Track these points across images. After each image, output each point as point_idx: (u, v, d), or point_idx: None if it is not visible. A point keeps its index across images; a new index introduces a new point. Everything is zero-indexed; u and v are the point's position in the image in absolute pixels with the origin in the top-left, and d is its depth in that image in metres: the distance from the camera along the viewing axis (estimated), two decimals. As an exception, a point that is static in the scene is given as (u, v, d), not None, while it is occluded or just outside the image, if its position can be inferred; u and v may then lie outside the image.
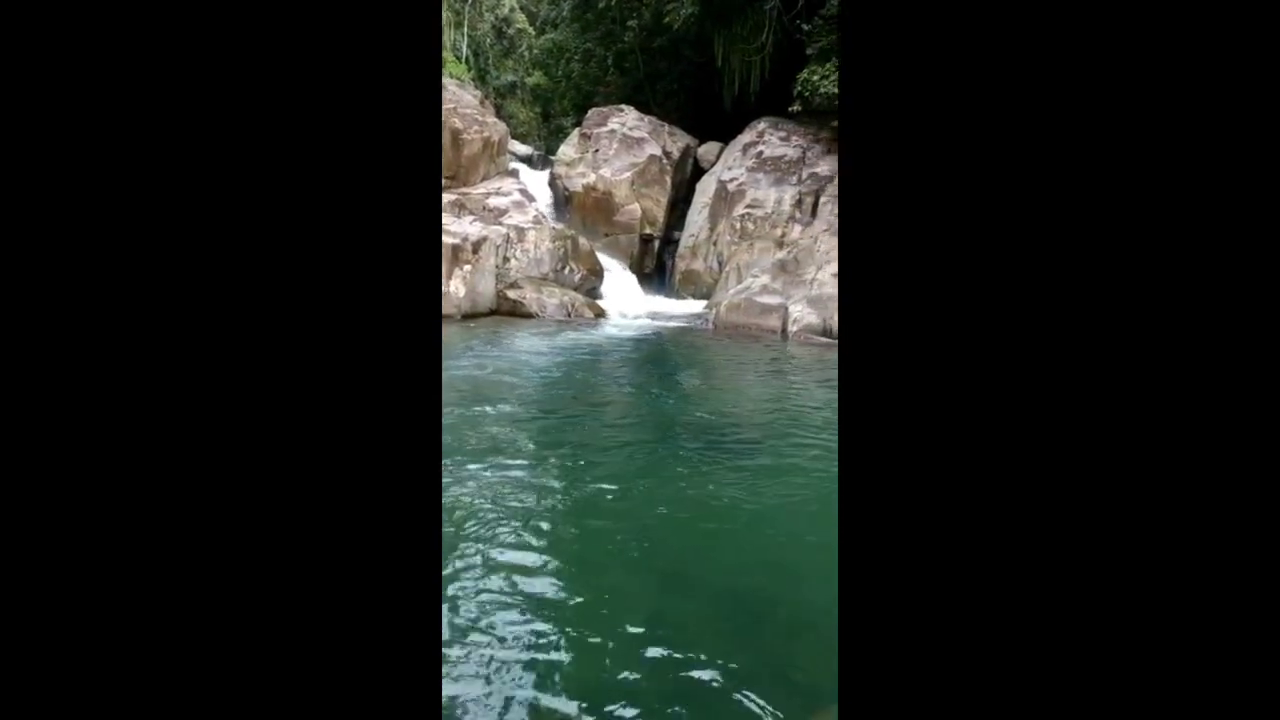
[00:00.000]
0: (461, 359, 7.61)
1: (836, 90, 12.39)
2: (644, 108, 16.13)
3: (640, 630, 2.65)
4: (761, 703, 2.24)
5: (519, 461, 4.41)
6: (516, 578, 2.94)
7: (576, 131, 15.78)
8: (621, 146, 14.87)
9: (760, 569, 3.23)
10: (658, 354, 9.33)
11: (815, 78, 12.68)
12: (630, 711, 2.17)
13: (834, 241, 11.75)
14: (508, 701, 2.20)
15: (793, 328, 10.83)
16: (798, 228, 12.77)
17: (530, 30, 26.00)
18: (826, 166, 13.37)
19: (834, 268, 11.30)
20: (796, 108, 13.19)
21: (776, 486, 4.23)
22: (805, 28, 13.01)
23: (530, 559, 3.11)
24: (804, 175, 13.43)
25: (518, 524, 3.43)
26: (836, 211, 12.30)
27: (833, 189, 12.85)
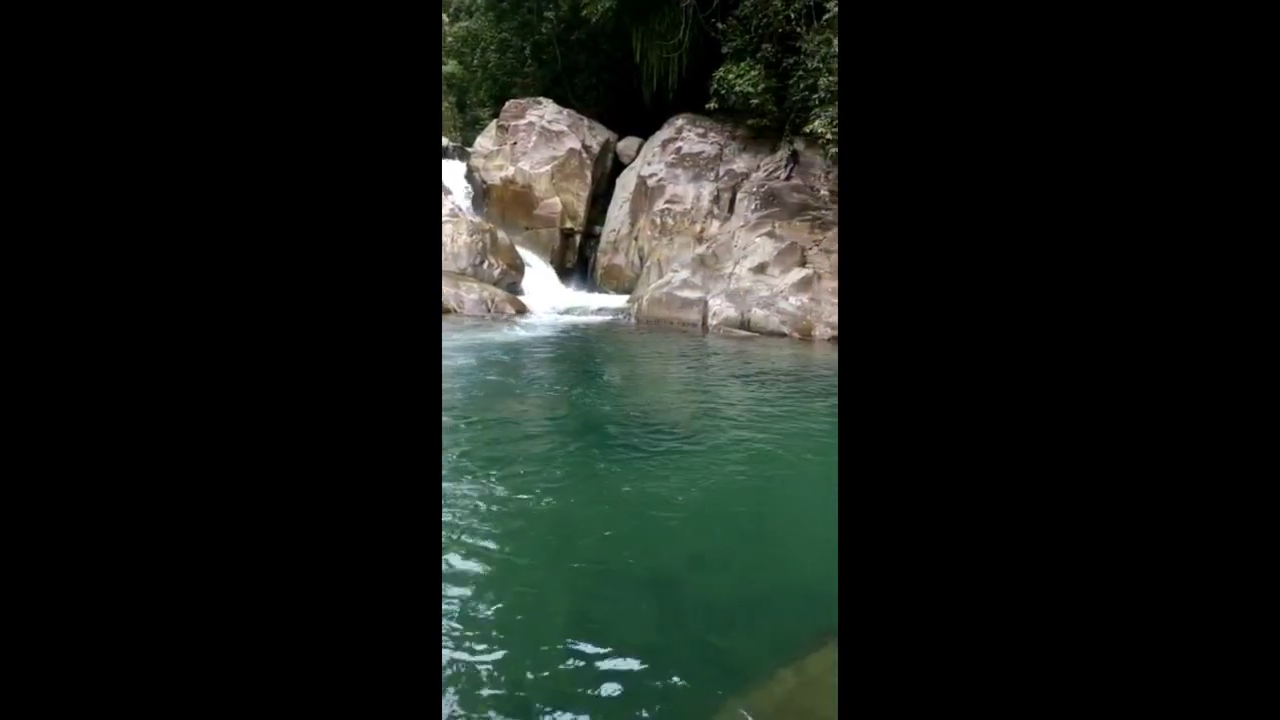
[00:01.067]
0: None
1: (751, 89, 12.72)
2: (563, 100, 15.99)
3: (563, 623, 2.68)
4: (681, 682, 2.33)
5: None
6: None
7: (494, 123, 15.47)
8: (541, 139, 14.70)
9: (682, 559, 3.32)
10: (581, 350, 9.33)
11: (731, 76, 12.96)
12: (554, 701, 2.20)
13: (750, 237, 12.09)
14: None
15: (712, 321, 11.07)
16: (716, 223, 13.05)
17: (444, 17, 25.22)
18: (743, 163, 13.71)
19: (750, 262, 11.63)
20: (713, 105, 13.44)
21: (698, 480, 4.34)
22: (720, 27, 13.26)
23: (452, 561, 3.07)
24: (721, 172, 13.72)
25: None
26: (752, 208, 12.65)
27: (749, 185, 13.20)
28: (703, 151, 14.00)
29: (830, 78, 10.86)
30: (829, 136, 10.66)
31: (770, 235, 12.02)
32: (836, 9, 10.87)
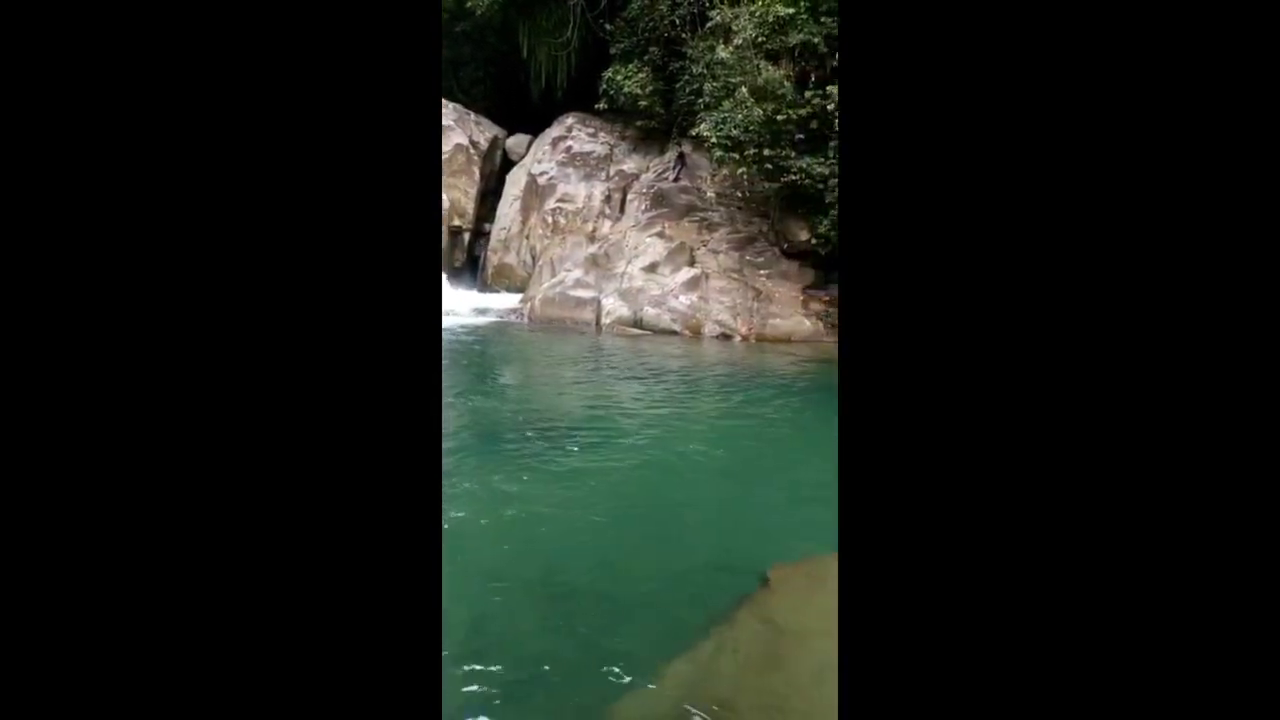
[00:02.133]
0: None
1: (639, 91, 12.92)
2: (448, 94, 15.50)
3: (461, 637, 2.65)
4: (573, 685, 2.39)
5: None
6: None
7: (374, 114, 14.72)
8: (425, 133, 14.17)
9: (577, 563, 3.37)
10: (474, 353, 9.13)
11: (619, 77, 13.10)
12: (446, 709, 2.19)
13: (641, 237, 12.30)
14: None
15: (606, 320, 11.18)
16: (608, 223, 13.17)
17: None
18: (633, 164, 13.91)
19: (642, 261, 11.84)
20: (603, 105, 13.53)
21: (595, 484, 4.41)
22: (608, 27, 13.36)
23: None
24: (612, 172, 13.85)
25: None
26: (643, 209, 12.88)
27: (639, 186, 13.41)
28: (593, 151, 14.06)
29: (714, 83, 11.24)
30: (714, 140, 11.03)
31: (660, 235, 12.29)
32: (719, 18, 11.28)
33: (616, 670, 2.46)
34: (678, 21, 12.41)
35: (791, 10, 10.65)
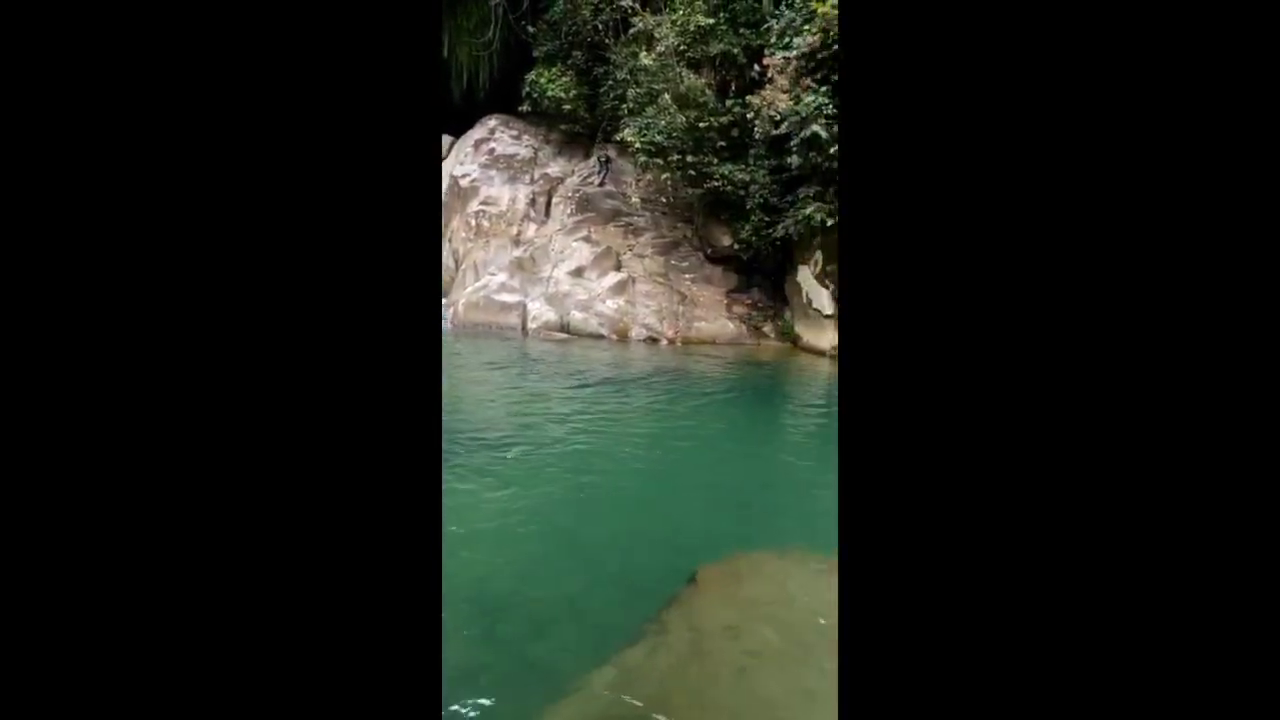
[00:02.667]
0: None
1: (563, 95, 12.88)
2: (364, 91, 14.94)
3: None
4: (503, 695, 2.38)
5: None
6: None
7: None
8: (340, 132, 13.63)
9: (508, 572, 3.35)
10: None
11: (543, 80, 13.02)
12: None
13: (567, 241, 12.27)
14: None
15: (532, 325, 11.08)
16: (533, 226, 13.05)
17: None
18: (558, 168, 13.85)
19: (568, 266, 11.81)
20: (526, 108, 13.41)
21: (525, 490, 4.38)
22: (531, 30, 13.26)
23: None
24: (537, 175, 13.74)
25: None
26: (568, 213, 12.85)
27: (564, 190, 13.37)
28: (517, 154, 13.91)
29: (638, 89, 11.36)
30: (638, 146, 11.14)
31: (586, 240, 12.29)
32: (641, 25, 11.41)
33: (546, 678, 2.46)
34: (600, 26, 12.46)
35: (712, 21, 10.90)
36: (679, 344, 10.85)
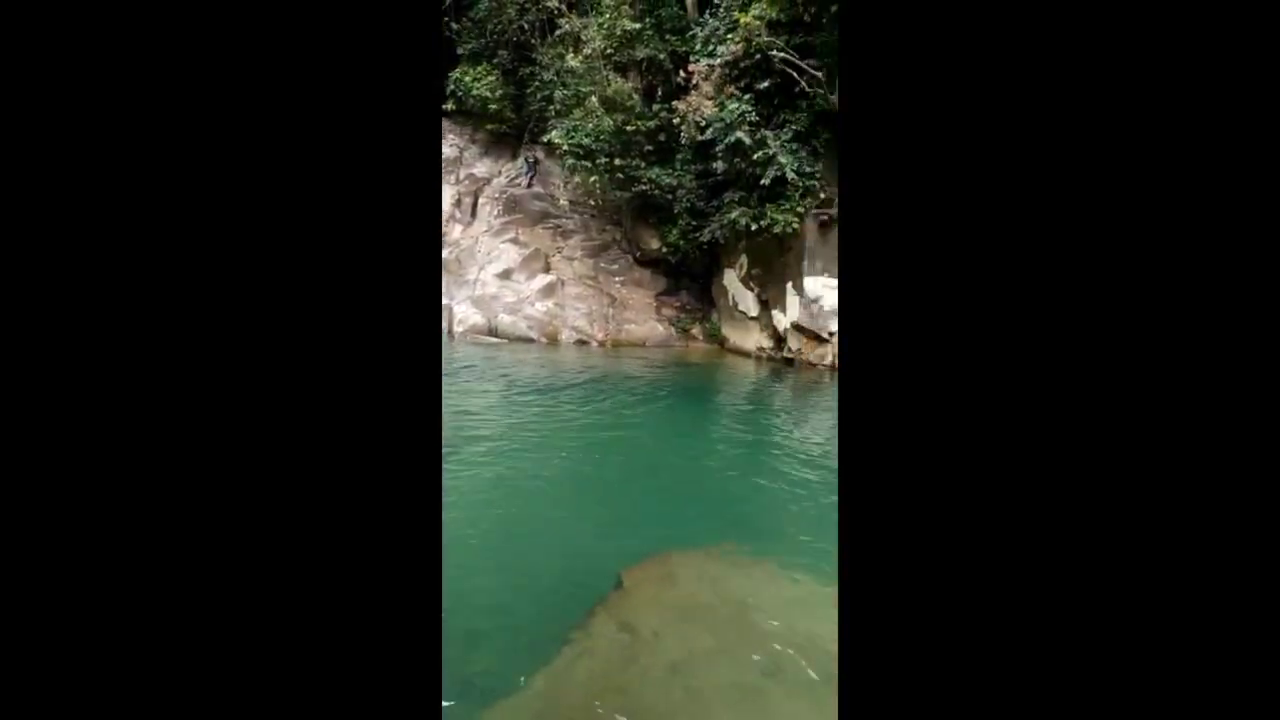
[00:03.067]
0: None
1: (489, 94, 12.67)
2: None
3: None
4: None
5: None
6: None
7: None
8: (249, 126, 12.93)
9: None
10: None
11: (468, 79, 12.77)
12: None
13: (494, 243, 12.06)
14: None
15: (458, 328, 10.83)
16: (459, 228, 12.77)
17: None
18: (484, 168, 13.61)
19: (496, 268, 11.61)
20: (451, 106, 13.11)
21: (454, 498, 4.26)
22: (455, 26, 12.98)
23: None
24: (462, 175, 13.46)
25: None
26: (495, 214, 12.63)
27: (491, 191, 13.14)
28: (443, 154, 13.58)
29: (565, 91, 11.30)
30: (565, 148, 11.09)
31: (514, 242, 12.13)
32: (568, 26, 11.37)
33: (477, 691, 2.40)
34: (526, 26, 12.33)
35: (638, 26, 10.98)
36: (609, 346, 10.85)
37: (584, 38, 11.14)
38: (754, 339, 10.77)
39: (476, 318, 10.93)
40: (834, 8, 8.55)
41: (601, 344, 10.92)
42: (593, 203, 12.44)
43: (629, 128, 10.71)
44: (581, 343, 10.87)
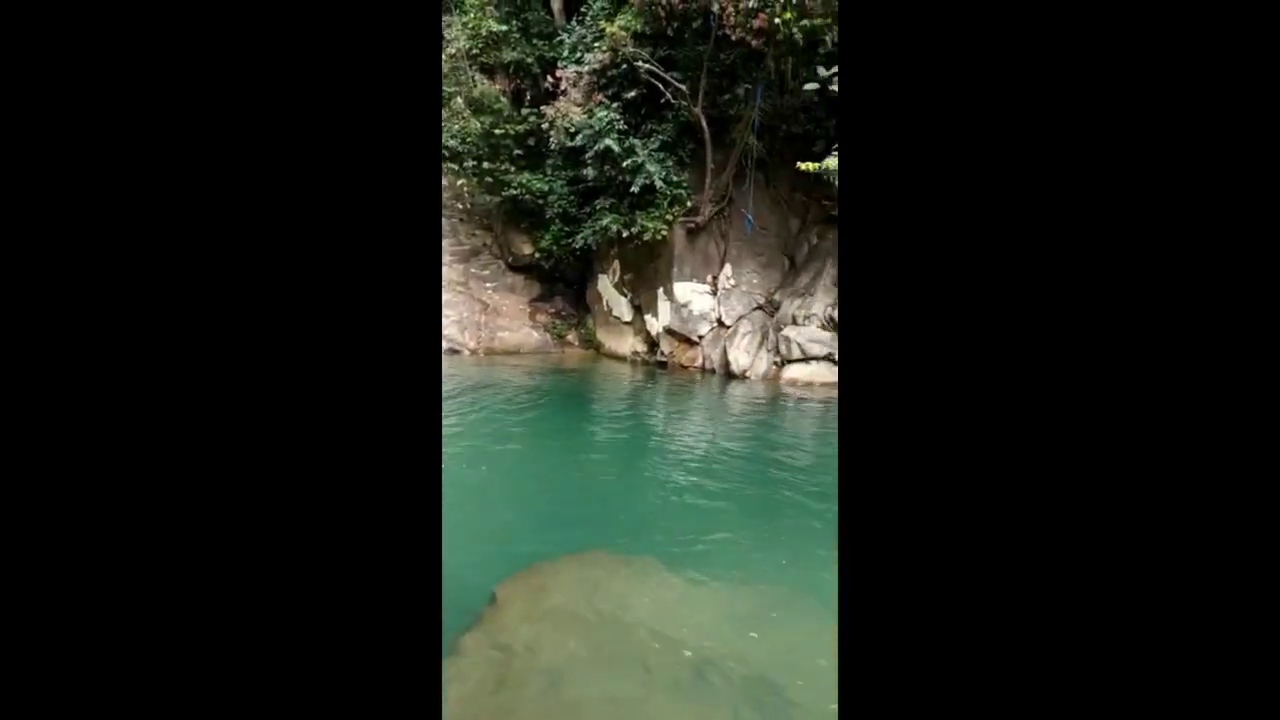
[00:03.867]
0: None
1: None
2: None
3: None
4: None
5: None
6: None
7: None
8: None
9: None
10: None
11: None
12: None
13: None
14: None
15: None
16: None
17: None
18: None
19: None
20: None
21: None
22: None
23: None
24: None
25: None
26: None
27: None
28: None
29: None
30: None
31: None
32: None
33: None
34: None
35: (504, 28, 10.80)
36: (482, 354, 10.57)
37: (448, 36, 10.80)
38: (629, 343, 10.93)
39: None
40: (695, 24, 8.88)
41: (474, 352, 10.62)
42: (460, 206, 12.07)
43: (497, 131, 10.52)
44: (453, 351, 10.51)
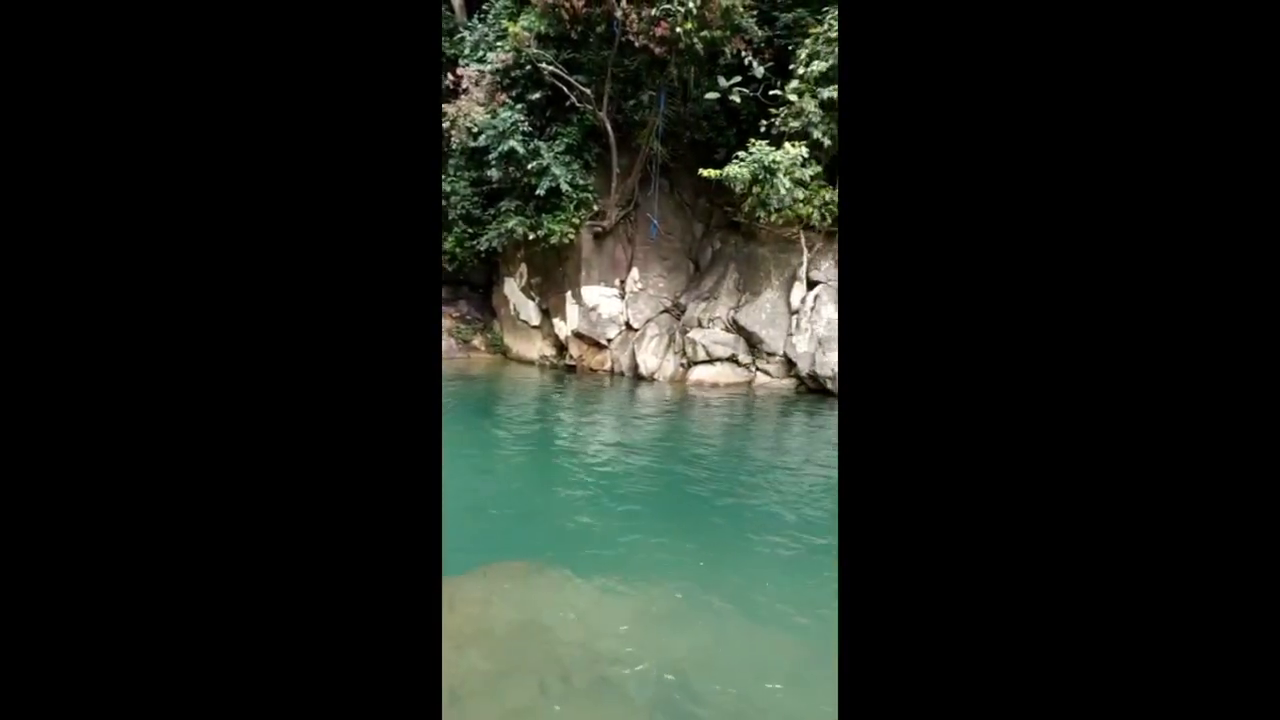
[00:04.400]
0: None
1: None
2: None
3: None
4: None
5: None
6: None
7: None
8: None
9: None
10: None
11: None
12: None
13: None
14: None
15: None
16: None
17: None
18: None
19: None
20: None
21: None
22: None
23: None
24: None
25: None
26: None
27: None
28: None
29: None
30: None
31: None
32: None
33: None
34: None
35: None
36: (382, 361, 10.12)
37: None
38: (537, 347, 10.80)
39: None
40: (599, 28, 8.91)
41: (373, 358, 10.14)
42: (357, 206, 11.51)
43: (396, 128, 10.10)
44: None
